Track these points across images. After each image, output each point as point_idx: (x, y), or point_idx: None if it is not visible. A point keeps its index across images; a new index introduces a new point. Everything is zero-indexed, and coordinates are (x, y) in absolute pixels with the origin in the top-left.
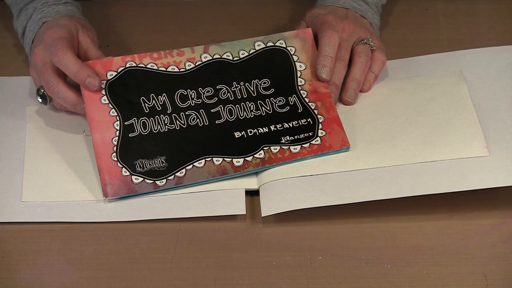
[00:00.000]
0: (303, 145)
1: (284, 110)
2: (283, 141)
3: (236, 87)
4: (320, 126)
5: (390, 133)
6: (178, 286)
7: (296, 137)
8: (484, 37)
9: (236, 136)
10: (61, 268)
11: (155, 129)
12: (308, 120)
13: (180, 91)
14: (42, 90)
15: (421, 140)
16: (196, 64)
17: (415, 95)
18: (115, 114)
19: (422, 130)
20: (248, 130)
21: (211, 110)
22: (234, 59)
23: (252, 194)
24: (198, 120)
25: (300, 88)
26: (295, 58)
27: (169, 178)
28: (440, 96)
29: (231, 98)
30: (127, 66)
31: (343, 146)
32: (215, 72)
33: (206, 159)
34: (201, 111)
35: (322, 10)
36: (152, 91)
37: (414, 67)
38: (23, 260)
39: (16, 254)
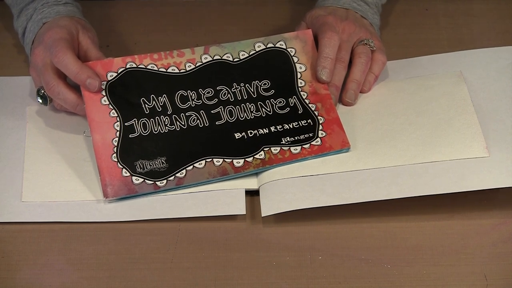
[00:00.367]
0: (303, 146)
1: (284, 111)
2: (283, 142)
3: (236, 88)
4: (321, 127)
5: (390, 134)
6: (178, 286)
7: (296, 138)
8: (484, 37)
9: (237, 137)
10: (61, 268)
11: (156, 130)
12: (309, 121)
13: (181, 92)
14: (43, 91)
15: (421, 140)
16: (197, 65)
17: (415, 96)
18: (116, 115)
19: (422, 131)
20: (249, 131)
21: (212, 111)
22: (234, 60)
23: (252, 194)
24: (198, 121)
25: (300, 90)
26: (295, 59)
27: (169, 178)
28: (440, 96)
29: (232, 99)
30: (127, 67)
31: (344, 147)
32: (215, 73)
33: (207, 159)
34: (202, 112)
35: (322, 11)
36: (153, 92)
37: (414, 68)
38: (23, 260)
39: (16, 254)
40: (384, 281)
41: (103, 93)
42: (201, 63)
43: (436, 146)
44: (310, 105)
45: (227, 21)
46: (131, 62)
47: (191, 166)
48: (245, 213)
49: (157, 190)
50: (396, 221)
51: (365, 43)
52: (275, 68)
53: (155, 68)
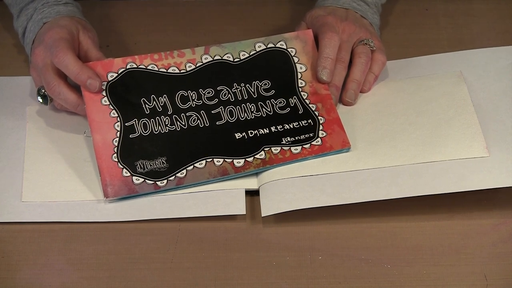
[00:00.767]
0: (304, 146)
1: (284, 111)
2: (283, 142)
3: (236, 88)
4: (321, 127)
5: (390, 134)
6: (178, 286)
7: (296, 138)
8: (484, 37)
9: (237, 137)
10: (61, 268)
11: (156, 130)
12: (309, 121)
13: (181, 92)
14: (43, 91)
15: (421, 140)
16: (197, 65)
17: (415, 96)
18: (116, 115)
19: (422, 131)
20: (249, 131)
21: (212, 111)
22: (235, 60)
23: (252, 194)
24: (198, 121)
25: (300, 90)
26: (295, 59)
27: (170, 178)
28: (440, 96)
29: (232, 99)
30: (127, 67)
31: (344, 146)
32: (215, 73)
33: (207, 159)
34: (202, 112)
35: (322, 11)
36: (153, 92)
37: (414, 68)
38: (23, 260)
39: (16, 254)
40: (384, 281)
41: (104, 93)
42: (201, 63)
43: (436, 146)
44: (310, 105)
45: (227, 21)
46: (131, 63)
47: (192, 166)
48: (245, 213)
49: (158, 190)
50: (396, 221)
51: (365, 43)
52: (276, 68)
53: (156, 69)
